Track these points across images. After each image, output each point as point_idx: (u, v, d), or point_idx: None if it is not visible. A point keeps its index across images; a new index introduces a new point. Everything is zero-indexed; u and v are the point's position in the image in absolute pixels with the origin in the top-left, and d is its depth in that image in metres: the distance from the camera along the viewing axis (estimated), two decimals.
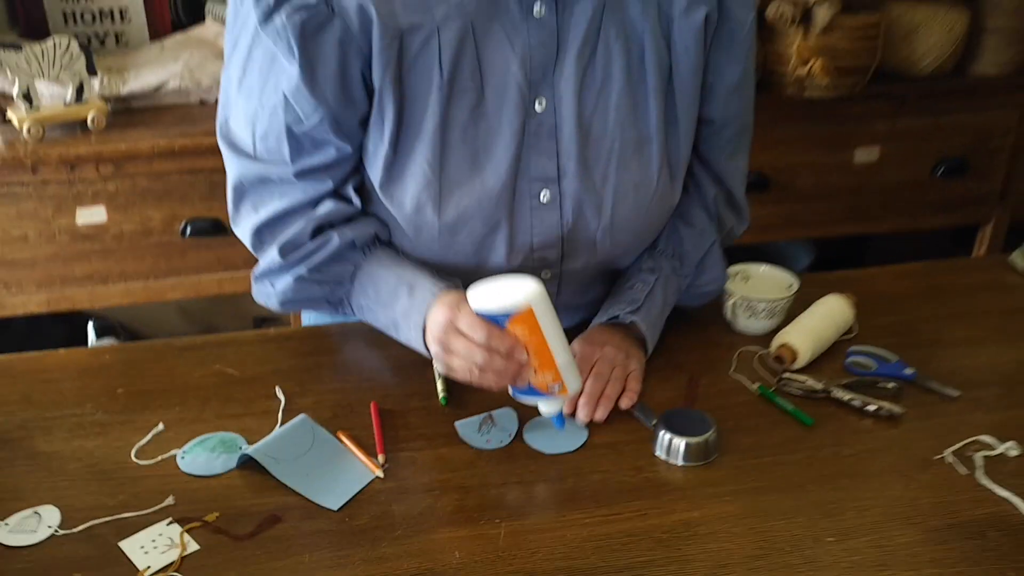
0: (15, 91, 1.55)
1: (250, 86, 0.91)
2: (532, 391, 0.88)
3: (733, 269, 1.12)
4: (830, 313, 1.06)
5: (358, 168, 0.96)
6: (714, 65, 0.98)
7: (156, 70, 1.70)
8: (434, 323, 0.88)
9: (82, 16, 1.77)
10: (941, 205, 2.04)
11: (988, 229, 2.12)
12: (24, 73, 1.54)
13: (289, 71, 0.87)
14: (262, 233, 0.96)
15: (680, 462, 0.89)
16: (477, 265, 0.98)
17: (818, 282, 1.15)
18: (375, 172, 0.93)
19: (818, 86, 1.74)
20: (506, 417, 0.94)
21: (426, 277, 0.93)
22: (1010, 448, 0.90)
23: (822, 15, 1.68)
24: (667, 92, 0.96)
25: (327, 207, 0.95)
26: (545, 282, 1.00)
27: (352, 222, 0.97)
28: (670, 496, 0.85)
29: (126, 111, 1.70)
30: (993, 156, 2.01)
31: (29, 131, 1.54)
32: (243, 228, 0.98)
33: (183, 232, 1.65)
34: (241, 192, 0.96)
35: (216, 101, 1.72)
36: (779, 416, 0.96)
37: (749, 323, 1.09)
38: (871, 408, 0.95)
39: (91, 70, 1.59)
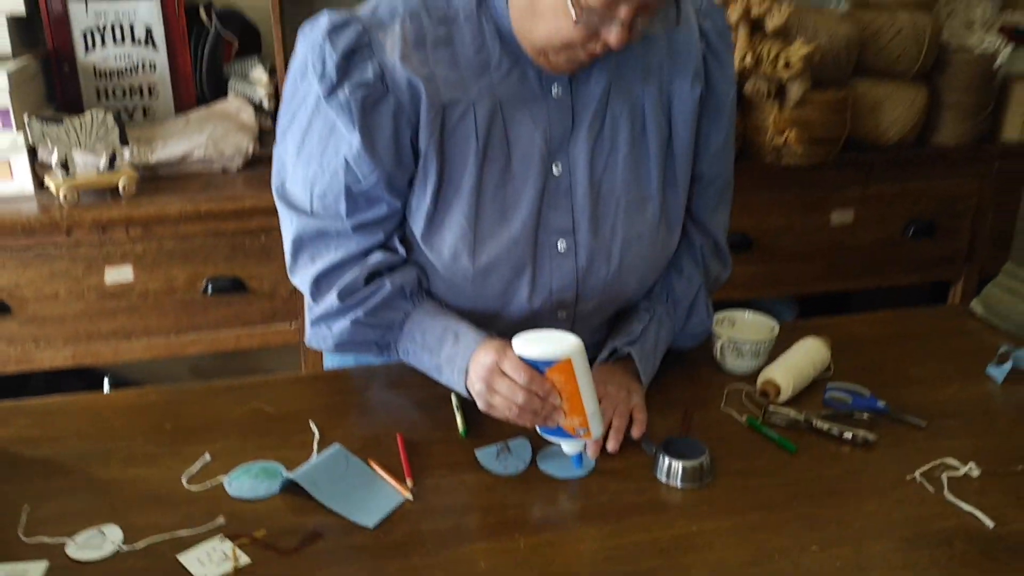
0: (54, 160, 1.68)
1: (310, 152, 1.03)
2: (559, 432, 0.98)
3: (720, 315, 1.24)
4: (808, 353, 1.17)
5: (403, 222, 1.07)
6: (702, 131, 1.12)
7: (182, 141, 1.83)
8: (479, 364, 0.98)
9: (114, 92, 1.90)
10: (913, 264, 2.16)
11: (959, 286, 2.23)
12: (63, 144, 1.67)
13: (350, 139, 1.00)
14: (320, 282, 1.07)
15: (679, 484, 0.98)
16: (502, 306, 1.09)
17: (798, 328, 1.26)
18: (417, 224, 1.05)
19: (794, 154, 1.88)
20: (521, 446, 1.04)
21: (470, 328, 1.04)
22: (972, 469, 1.00)
23: (795, 91, 1.84)
24: (666, 156, 1.09)
25: (377, 257, 1.06)
26: (560, 322, 1.11)
27: (398, 269, 1.08)
28: (670, 513, 0.94)
29: (154, 178, 1.82)
30: (959, 219, 2.14)
31: (65, 196, 1.66)
32: (301, 277, 1.09)
33: (205, 290, 1.76)
34: (299, 245, 1.07)
35: (238, 169, 1.88)
36: (765, 444, 1.06)
37: (736, 363, 1.20)
38: (848, 436, 1.05)
39: (124, 140, 1.72)
